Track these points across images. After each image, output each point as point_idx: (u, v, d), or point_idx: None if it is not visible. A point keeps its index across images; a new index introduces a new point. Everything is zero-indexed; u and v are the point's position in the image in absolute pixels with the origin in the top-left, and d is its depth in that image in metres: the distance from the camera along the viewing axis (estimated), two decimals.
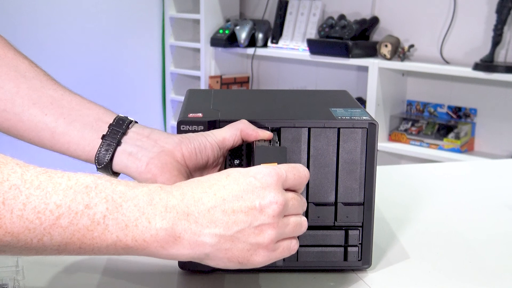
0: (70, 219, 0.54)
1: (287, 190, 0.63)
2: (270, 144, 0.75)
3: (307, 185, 0.80)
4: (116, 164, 0.75)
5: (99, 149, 0.75)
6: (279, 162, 0.66)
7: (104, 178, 0.57)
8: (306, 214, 0.81)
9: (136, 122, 0.78)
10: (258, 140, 0.75)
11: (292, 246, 0.64)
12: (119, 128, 0.75)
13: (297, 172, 0.64)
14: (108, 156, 0.74)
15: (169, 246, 0.57)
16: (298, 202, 0.64)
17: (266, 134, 0.75)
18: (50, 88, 0.77)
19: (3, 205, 0.52)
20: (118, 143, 0.74)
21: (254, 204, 0.59)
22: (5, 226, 0.52)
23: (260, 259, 0.61)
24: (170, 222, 0.57)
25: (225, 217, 0.59)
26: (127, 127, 0.76)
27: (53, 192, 0.54)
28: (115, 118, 0.76)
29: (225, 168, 0.77)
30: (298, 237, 0.76)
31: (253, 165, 0.66)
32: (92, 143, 0.75)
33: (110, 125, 0.75)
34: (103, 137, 0.75)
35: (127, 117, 0.77)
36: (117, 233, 0.56)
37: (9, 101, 0.76)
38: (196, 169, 0.76)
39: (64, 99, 0.77)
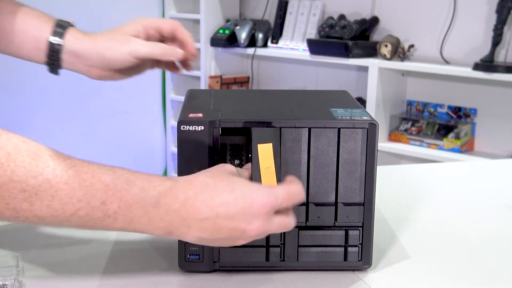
0: (87, 211, 0.64)
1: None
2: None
3: (307, 185, 0.80)
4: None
5: (48, 69, 0.91)
6: (274, 142, 0.75)
7: (123, 177, 0.66)
8: (306, 214, 0.81)
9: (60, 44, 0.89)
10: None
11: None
12: (53, 57, 0.89)
13: (291, 197, 0.71)
14: (58, 72, 0.91)
15: (161, 235, 0.69)
16: (283, 225, 0.71)
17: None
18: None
19: (36, 195, 0.62)
20: (59, 66, 0.90)
21: (241, 226, 0.68)
22: (35, 212, 0.63)
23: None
24: (166, 223, 0.67)
25: (212, 228, 0.68)
26: (60, 55, 0.89)
27: (78, 188, 0.63)
28: (48, 47, 0.88)
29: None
30: (298, 237, 0.78)
31: (251, 145, 0.74)
32: (41, 61, 0.90)
33: (47, 55, 0.89)
34: (46, 63, 0.90)
35: (57, 44, 0.89)
36: (122, 224, 0.67)
37: None
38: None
39: (6, 26, 0.88)
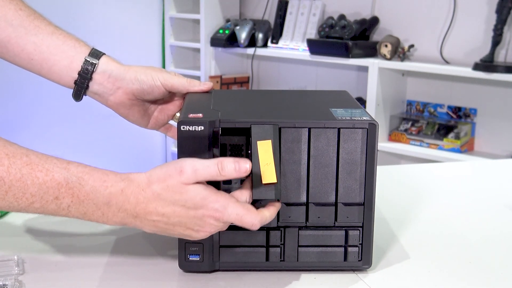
0: (42, 204, 0.71)
1: None
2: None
3: (307, 185, 0.80)
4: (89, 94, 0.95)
5: (73, 91, 0.94)
6: (273, 139, 0.77)
7: (76, 176, 0.72)
8: (306, 214, 0.81)
9: (96, 64, 0.92)
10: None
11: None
12: (85, 74, 0.92)
13: (240, 222, 0.74)
14: (81, 96, 0.94)
15: (118, 225, 0.75)
16: (239, 219, 0.75)
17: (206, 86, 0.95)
18: (32, 34, 0.92)
19: None
20: (87, 87, 0.93)
21: (194, 228, 0.75)
22: None
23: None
24: (120, 218, 0.74)
25: (164, 227, 0.75)
26: (92, 74, 0.92)
27: (31, 184, 0.70)
28: (82, 65, 0.92)
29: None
30: (298, 237, 0.80)
31: (251, 141, 0.76)
32: (68, 83, 0.94)
33: (79, 72, 0.93)
34: (75, 82, 0.93)
35: (92, 63, 0.92)
36: (76, 216, 0.73)
37: (4, 48, 0.93)
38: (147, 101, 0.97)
39: (44, 44, 0.93)
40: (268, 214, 0.76)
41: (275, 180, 0.76)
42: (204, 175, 0.74)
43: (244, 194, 0.76)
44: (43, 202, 0.71)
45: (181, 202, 0.73)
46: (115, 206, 0.73)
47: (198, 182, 0.74)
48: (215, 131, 0.78)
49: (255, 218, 0.74)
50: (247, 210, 0.74)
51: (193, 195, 0.73)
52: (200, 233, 0.75)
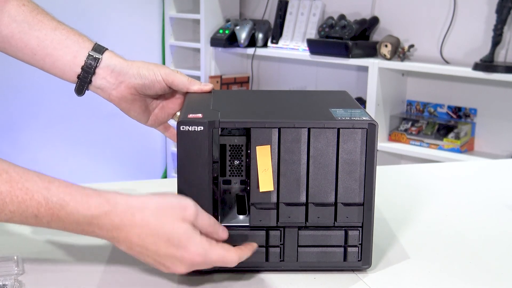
0: (21, 219, 0.71)
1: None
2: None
3: (307, 185, 0.80)
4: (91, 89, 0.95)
5: (76, 86, 0.94)
6: (272, 144, 0.77)
7: (57, 197, 0.71)
8: (306, 214, 0.81)
9: (100, 59, 0.93)
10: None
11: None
12: (89, 69, 0.93)
13: (223, 263, 0.75)
14: (83, 91, 0.95)
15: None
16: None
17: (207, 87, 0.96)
18: (36, 29, 0.93)
19: None
20: (90, 82, 0.94)
21: (166, 264, 0.74)
22: None
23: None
24: (99, 236, 0.74)
25: (139, 255, 0.74)
26: (95, 69, 0.93)
27: (10, 202, 0.70)
28: (86, 60, 0.93)
29: None
30: (298, 237, 0.79)
31: (250, 146, 0.77)
32: (71, 78, 0.94)
33: (82, 67, 0.93)
34: (78, 76, 0.93)
35: (96, 58, 0.93)
36: (57, 228, 0.73)
37: (7, 43, 0.93)
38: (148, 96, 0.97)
39: (47, 39, 0.93)
40: (245, 252, 0.78)
41: (271, 188, 0.77)
42: (203, 220, 0.75)
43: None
44: (23, 218, 0.71)
45: (166, 235, 0.73)
46: (97, 226, 0.73)
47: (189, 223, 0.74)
48: (214, 131, 0.78)
49: (235, 256, 0.76)
50: (227, 250, 0.75)
51: (182, 232, 0.73)
52: (171, 270, 0.75)
